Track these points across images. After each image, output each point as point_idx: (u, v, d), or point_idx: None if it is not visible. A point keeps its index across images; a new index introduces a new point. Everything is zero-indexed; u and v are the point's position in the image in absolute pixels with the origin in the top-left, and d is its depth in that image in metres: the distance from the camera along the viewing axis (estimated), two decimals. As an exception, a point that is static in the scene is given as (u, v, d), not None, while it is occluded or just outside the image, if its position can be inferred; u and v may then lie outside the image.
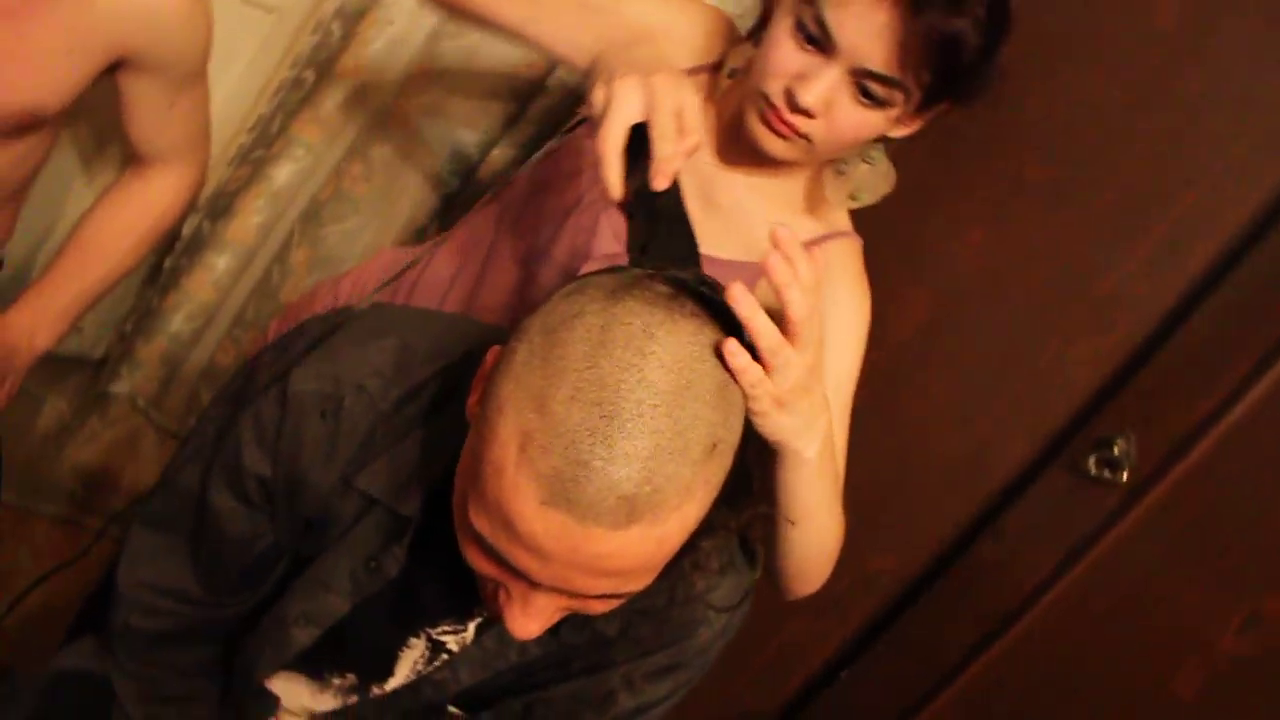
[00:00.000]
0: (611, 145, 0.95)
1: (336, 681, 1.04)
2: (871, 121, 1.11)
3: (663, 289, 0.76)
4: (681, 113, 0.95)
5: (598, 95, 0.98)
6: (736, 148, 1.20)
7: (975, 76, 1.10)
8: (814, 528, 1.07)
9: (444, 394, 0.92)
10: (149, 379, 1.80)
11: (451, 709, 1.03)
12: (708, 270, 1.12)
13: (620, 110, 0.95)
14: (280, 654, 0.99)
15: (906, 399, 1.53)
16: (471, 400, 0.83)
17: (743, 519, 0.83)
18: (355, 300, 1.37)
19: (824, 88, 1.07)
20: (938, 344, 1.52)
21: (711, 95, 1.24)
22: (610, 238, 1.22)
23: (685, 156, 0.96)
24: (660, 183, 0.94)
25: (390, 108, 1.67)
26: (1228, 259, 1.35)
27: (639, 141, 0.95)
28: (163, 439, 1.88)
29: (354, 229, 1.75)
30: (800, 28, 1.08)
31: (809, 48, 1.08)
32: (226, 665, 1.08)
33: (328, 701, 1.05)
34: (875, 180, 1.22)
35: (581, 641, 0.97)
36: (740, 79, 1.20)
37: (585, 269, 1.22)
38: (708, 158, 1.23)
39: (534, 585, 0.76)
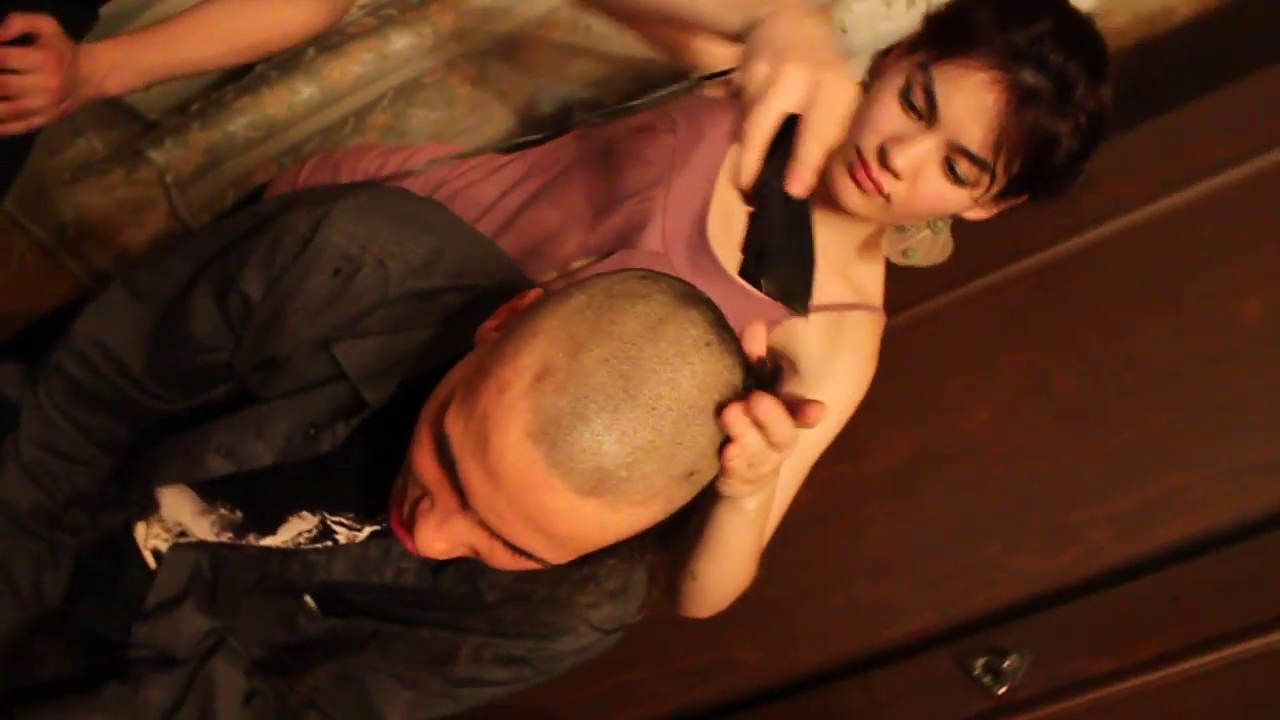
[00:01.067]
0: (761, 131, 0.90)
1: (223, 512, 1.03)
2: (952, 198, 1.13)
3: (724, 321, 0.79)
4: (838, 118, 0.91)
5: (759, 69, 0.91)
6: (817, 191, 1.21)
7: (1060, 178, 1.12)
8: (727, 567, 1.12)
9: (456, 308, 0.93)
10: (187, 161, 1.81)
11: (308, 599, 1.03)
12: (739, 300, 1.16)
13: (781, 97, 0.90)
14: (188, 472, 0.99)
15: (848, 522, 1.55)
16: (489, 325, 0.84)
17: (659, 557, 0.85)
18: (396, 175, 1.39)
19: (917, 154, 1.10)
20: (899, 490, 1.54)
21: None
22: (658, 236, 1.23)
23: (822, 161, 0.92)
24: (798, 187, 0.91)
25: (528, 34, 1.68)
26: (1187, 550, 1.39)
27: (781, 131, 0.91)
28: (171, 220, 1.88)
29: (437, 121, 1.75)
30: (907, 91, 1.11)
31: (911, 113, 1.10)
32: (130, 452, 1.08)
33: (204, 527, 1.04)
34: (931, 247, 1.25)
35: (455, 594, 0.98)
36: None
37: (622, 255, 1.24)
38: None
39: (464, 507, 0.76)
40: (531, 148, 1.37)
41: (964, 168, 1.10)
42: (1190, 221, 1.43)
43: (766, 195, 0.92)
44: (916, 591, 1.50)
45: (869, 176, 1.12)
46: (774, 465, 0.86)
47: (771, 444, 0.80)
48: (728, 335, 0.78)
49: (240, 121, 1.76)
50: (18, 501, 1.03)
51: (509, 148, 1.40)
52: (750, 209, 0.95)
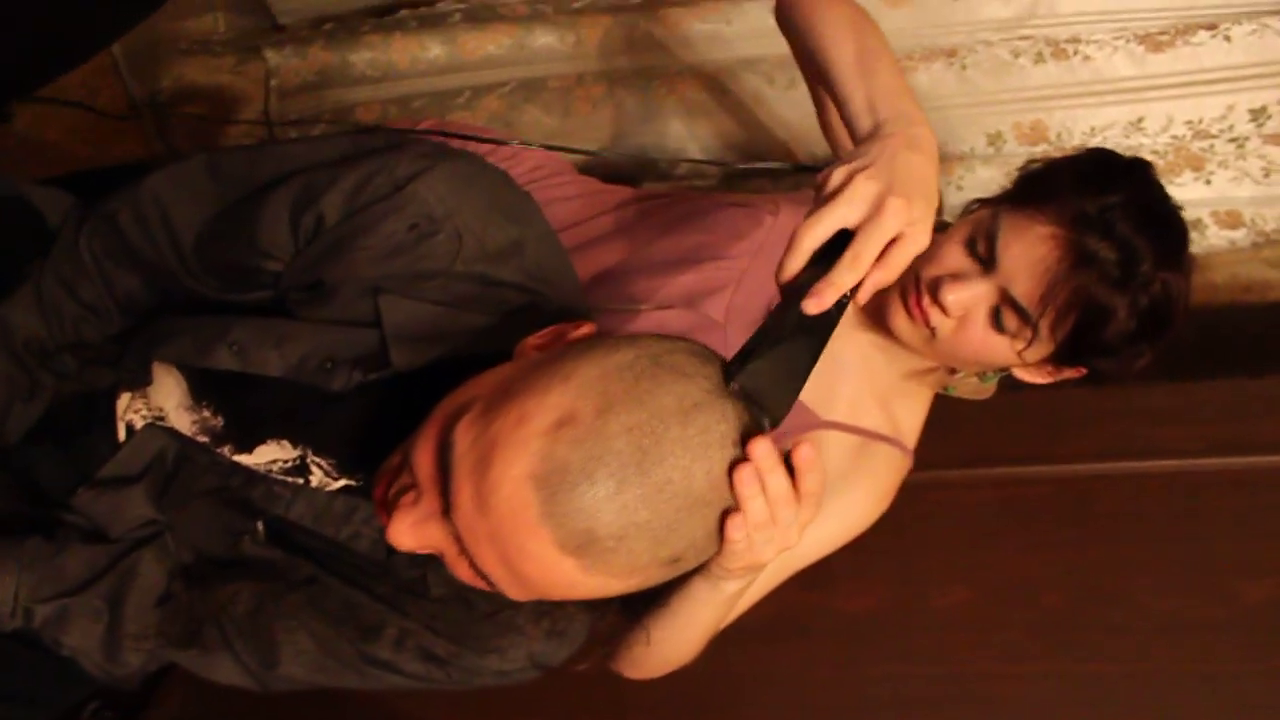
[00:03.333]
0: (811, 235, 0.86)
1: (206, 414, 1.02)
2: (995, 347, 1.11)
3: (757, 423, 0.77)
4: (891, 248, 0.85)
5: (838, 175, 0.88)
6: (871, 308, 1.21)
7: (1113, 356, 1.10)
8: (682, 637, 1.11)
9: (512, 307, 0.92)
10: (298, 73, 1.82)
11: (259, 526, 1.00)
12: None
13: (842, 208, 0.85)
14: (193, 354, 0.97)
15: (796, 651, 1.53)
16: (534, 341, 0.84)
17: (616, 620, 0.83)
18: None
19: (969, 295, 1.09)
20: (856, 639, 1.52)
21: None
22: (723, 307, 1.24)
23: (859, 290, 0.86)
24: (812, 304, 0.84)
25: (668, 74, 1.68)
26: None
27: (836, 244, 0.87)
28: (260, 124, 1.88)
29: (547, 126, 1.76)
30: (974, 236, 1.11)
31: (974, 257, 1.11)
32: (145, 320, 1.06)
33: (183, 420, 1.02)
34: (973, 388, 1.24)
35: (403, 575, 0.96)
36: None
37: (681, 313, 1.23)
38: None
39: (445, 515, 0.75)
40: (635, 186, 1.38)
41: (1008, 317, 1.09)
42: (1229, 489, 1.43)
43: (790, 299, 0.86)
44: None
45: (918, 305, 1.13)
46: (769, 555, 0.83)
47: (770, 502, 0.75)
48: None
49: (363, 55, 1.77)
50: (18, 326, 1.01)
51: (614, 176, 1.41)
52: (771, 308, 0.92)
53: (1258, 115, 1.57)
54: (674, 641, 1.13)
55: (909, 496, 1.29)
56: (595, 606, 0.81)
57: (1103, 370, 1.13)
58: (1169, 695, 1.41)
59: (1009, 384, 1.23)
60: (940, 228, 1.23)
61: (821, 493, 0.79)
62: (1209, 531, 1.43)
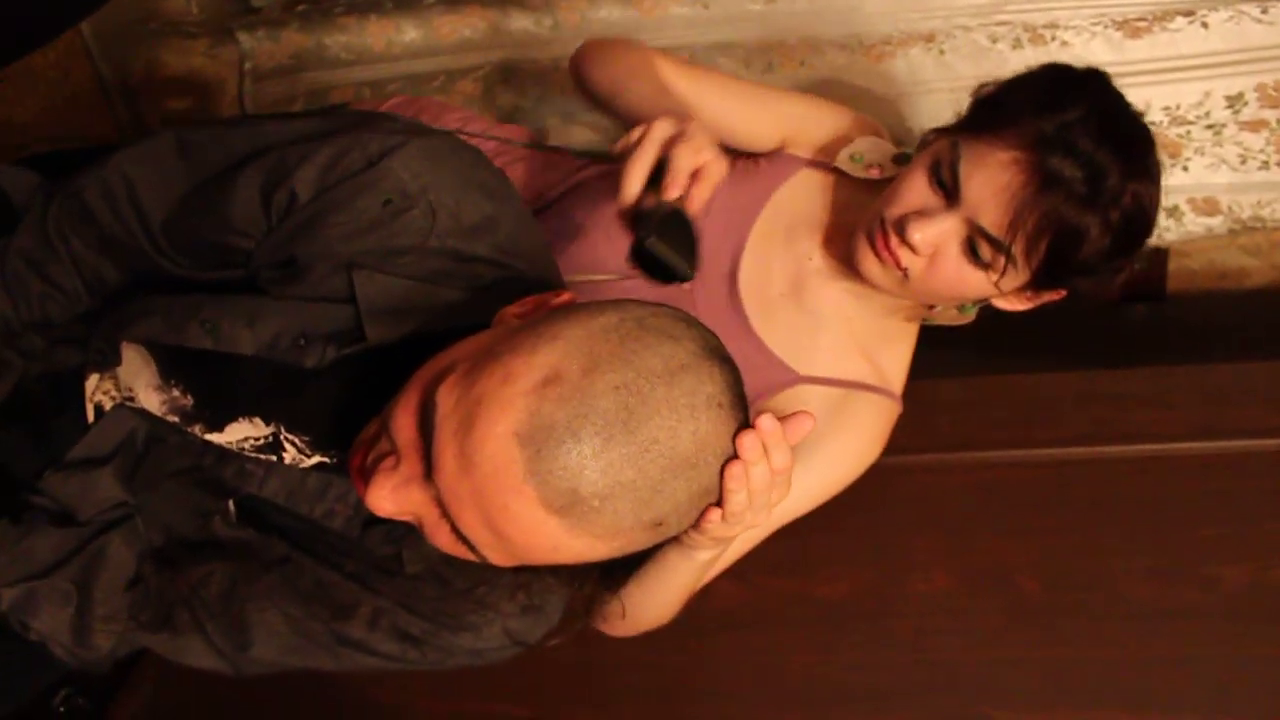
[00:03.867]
0: (642, 161, 1.02)
1: (176, 394, 1.00)
2: (971, 280, 1.10)
3: (741, 389, 0.77)
4: (702, 155, 1.01)
5: (635, 131, 1.04)
6: (841, 255, 1.21)
7: (1092, 275, 1.08)
8: (655, 600, 1.12)
9: (486, 282, 0.92)
10: (272, 56, 1.80)
11: (230, 505, 0.99)
12: (754, 353, 1.20)
13: (657, 129, 1.02)
14: (164, 333, 0.96)
15: (773, 640, 1.52)
16: (514, 309, 0.83)
17: (594, 590, 0.83)
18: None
19: (935, 232, 1.08)
20: (834, 626, 1.52)
21: (834, 194, 1.26)
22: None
23: (701, 181, 1.02)
24: (672, 191, 1.01)
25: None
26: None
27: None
28: (234, 107, 1.87)
29: (523, 110, 1.75)
30: (935, 169, 1.09)
31: (937, 190, 1.09)
32: (112, 300, 1.04)
33: (153, 402, 1.01)
34: (952, 316, 1.22)
35: (377, 553, 0.96)
36: (863, 188, 1.22)
37: (639, 282, 1.22)
38: (812, 254, 1.24)
39: (426, 477, 0.74)
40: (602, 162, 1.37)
41: (982, 248, 1.07)
42: (1210, 473, 1.43)
43: (642, 212, 1.04)
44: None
45: (887, 247, 1.11)
46: (737, 532, 0.83)
47: (772, 471, 0.77)
48: (740, 402, 0.77)
49: (338, 38, 1.75)
50: None
51: (583, 153, 1.41)
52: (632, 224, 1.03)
53: (1234, 102, 1.57)
54: (648, 606, 1.14)
55: (884, 482, 1.29)
56: (574, 578, 0.80)
57: (1083, 289, 1.11)
58: (1148, 681, 1.41)
59: (989, 314, 1.21)
60: (903, 159, 1.23)
61: (790, 470, 0.79)
62: (1187, 517, 1.43)
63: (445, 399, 0.73)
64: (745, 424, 0.77)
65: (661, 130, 1.02)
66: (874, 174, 1.24)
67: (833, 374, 1.23)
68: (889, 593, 1.49)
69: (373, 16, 1.72)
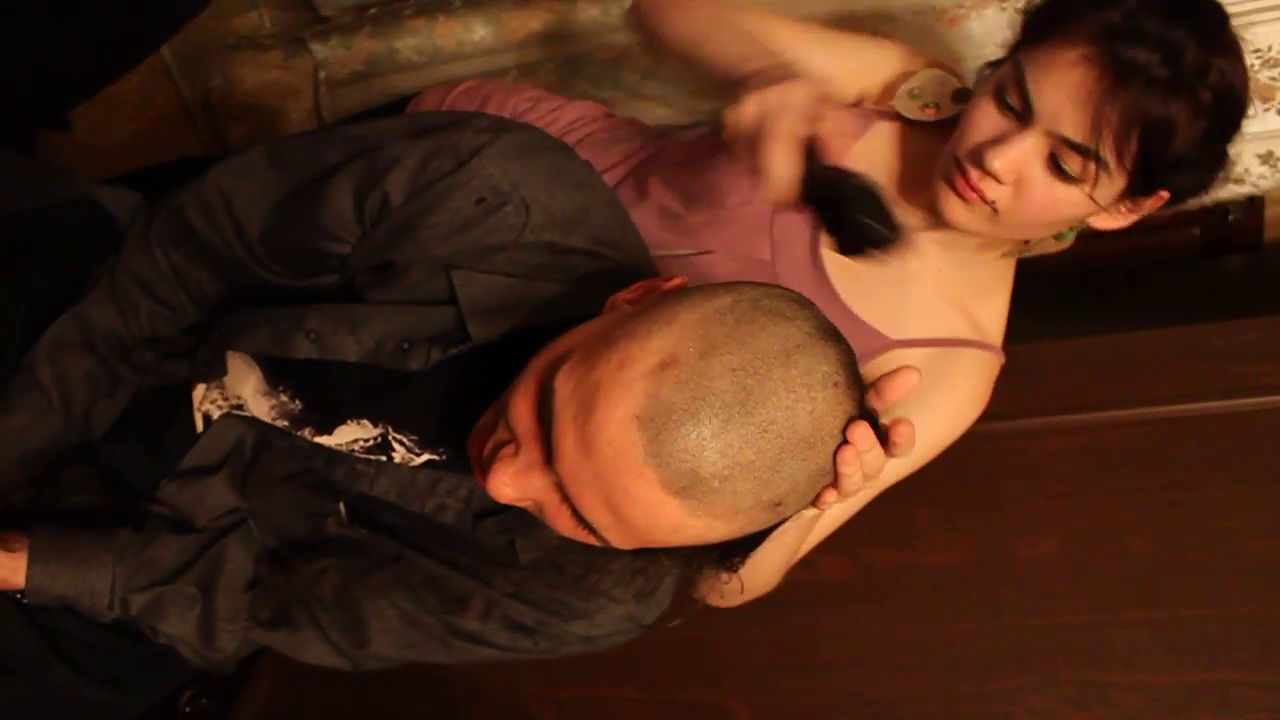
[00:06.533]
0: (785, 155, 0.96)
1: (284, 399, 1.03)
2: (1065, 199, 1.03)
3: (856, 366, 0.77)
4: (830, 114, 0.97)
5: (746, 108, 0.98)
6: (923, 206, 1.16)
7: (1193, 169, 1.02)
8: (763, 564, 1.10)
9: (583, 273, 0.93)
10: (345, 64, 1.82)
11: (341, 507, 1.01)
12: (843, 324, 1.14)
13: (779, 122, 0.96)
14: (271, 344, 0.98)
15: (883, 610, 1.51)
16: (625, 295, 0.84)
17: (702, 573, 0.83)
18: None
19: (1016, 154, 1.02)
20: (943, 594, 1.50)
21: (908, 145, 1.21)
22: (767, 245, 1.22)
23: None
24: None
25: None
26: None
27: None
28: (311, 116, 1.89)
29: (596, 99, 1.74)
30: (1001, 93, 1.04)
31: (1008, 114, 1.03)
32: (217, 311, 1.07)
33: (261, 407, 1.03)
34: (1050, 245, 1.17)
35: (489, 545, 0.97)
36: (936, 135, 1.16)
37: (723, 258, 1.22)
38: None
39: (547, 463, 0.75)
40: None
41: (1069, 161, 1.00)
42: (1319, 423, 1.37)
43: (810, 188, 0.97)
44: (930, 701, 1.45)
45: (969, 185, 1.05)
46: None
47: (864, 474, 0.77)
48: (855, 381, 0.76)
49: (408, 41, 1.76)
50: (96, 320, 1.03)
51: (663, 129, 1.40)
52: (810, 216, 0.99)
53: (1329, 40, 1.52)
54: (758, 571, 1.12)
55: (984, 449, 1.27)
56: (690, 560, 0.80)
57: (1185, 188, 1.04)
58: (1265, 638, 1.37)
59: (1084, 270, 1.16)
60: (963, 95, 1.18)
61: (877, 472, 0.78)
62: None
63: (563, 385, 0.73)
64: (862, 400, 0.77)
65: (784, 117, 0.96)
66: (929, 114, 1.19)
67: (927, 334, 1.19)
68: (995, 560, 1.47)
69: (441, 17, 1.73)
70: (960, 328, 1.20)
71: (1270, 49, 1.52)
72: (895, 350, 1.20)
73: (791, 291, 0.78)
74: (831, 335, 0.76)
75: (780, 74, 1.01)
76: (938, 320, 1.20)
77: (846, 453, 0.74)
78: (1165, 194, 1.04)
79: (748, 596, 1.17)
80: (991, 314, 1.22)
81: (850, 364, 0.76)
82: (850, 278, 1.20)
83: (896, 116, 1.22)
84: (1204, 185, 1.05)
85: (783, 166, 0.95)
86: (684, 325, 0.72)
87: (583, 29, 1.71)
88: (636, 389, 0.70)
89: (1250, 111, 1.54)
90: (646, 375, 0.70)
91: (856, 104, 1.27)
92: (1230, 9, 1.32)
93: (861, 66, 1.26)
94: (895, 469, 1.14)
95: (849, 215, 0.95)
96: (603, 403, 0.71)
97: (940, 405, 1.18)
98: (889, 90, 1.24)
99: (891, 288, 1.20)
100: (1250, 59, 1.49)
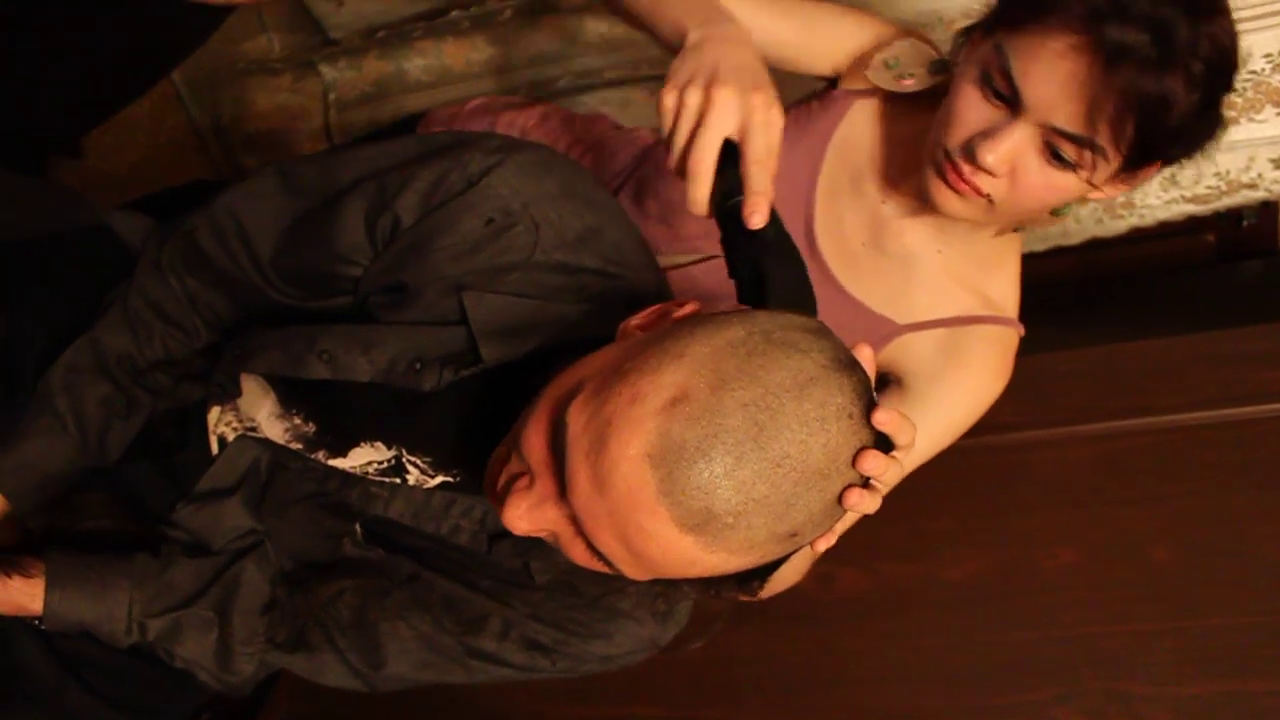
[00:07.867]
0: (706, 164, 0.90)
1: (297, 421, 1.03)
2: (1062, 185, 1.01)
3: (871, 393, 0.76)
4: (773, 140, 0.90)
5: (692, 98, 0.91)
6: (914, 192, 1.14)
7: (1190, 136, 0.99)
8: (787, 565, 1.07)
9: (595, 292, 0.92)
10: (354, 85, 1.83)
11: (357, 527, 1.01)
12: (849, 314, 1.13)
13: (718, 124, 0.89)
14: (284, 365, 0.98)
15: (902, 624, 1.50)
16: (636, 321, 0.83)
17: (724, 597, 0.83)
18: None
19: (1008, 147, 0.99)
20: (963, 607, 1.49)
21: (890, 126, 1.18)
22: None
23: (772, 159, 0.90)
24: (758, 219, 0.88)
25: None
26: None
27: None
28: (322, 137, 1.90)
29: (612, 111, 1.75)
30: (985, 79, 1.00)
31: (995, 102, 1.00)
32: (230, 334, 1.07)
33: (275, 429, 1.03)
34: (1049, 220, 1.14)
35: (504, 566, 0.96)
36: (919, 112, 1.13)
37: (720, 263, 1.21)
38: (885, 198, 1.17)
39: (561, 497, 0.75)
40: None
41: (1065, 149, 0.98)
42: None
43: (729, 218, 0.91)
44: (953, 715, 1.44)
45: (962, 179, 1.03)
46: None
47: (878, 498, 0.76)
48: (870, 407, 0.75)
49: (417, 62, 1.77)
50: (110, 345, 1.03)
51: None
52: (723, 233, 0.93)
53: (1340, 44, 1.51)
54: (779, 577, 1.10)
55: (1001, 460, 1.26)
56: (710, 585, 0.79)
57: (1178, 155, 1.02)
58: (1294, 645, 1.36)
59: (1098, 280, 1.15)
60: (939, 67, 1.15)
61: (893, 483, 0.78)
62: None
63: (575, 419, 0.73)
64: (874, 428, 0.75)
65: (726, 121, 0.90)
66: (907, 85, 1.15)
67: (935, 315, 1.17)
68: (1015, 571, 1.46)
69: (449, 38, 1.74)
70: (970, 304, 1.17)
71: (1281, 53, 1.51)
72: (906, 335, 1.17)
73: (807, 320, 0.77)
74: (846, 365, 0.75)
75: (739, 56, 0.95)
76: (946, 300, 1.17)
77: (851, 497, 0.73)
78: (1158, 165, 1.03)
79: (770, 594, 1.16)
80: (1002, 287, 1.19)
81: (865, 393, 0.75)
82: (851, 267, 1.19)
83: (873, 93, 1.19)
84: (1197, 147, 1.02)
85: (698, 188, 0.92)
86: (695, 359, 0.72)
87: (591, 47, 1.71)
88: (648, 426, 0.69)
89: (1262, 116, 1.55)
90: (658, 412, 0.70)
91: (831, 80, 1.23)
92: (1239, 14, 1.32)
93: (833, 36, 1.21)
94: (922, 451, 1.13)
95: (770, 280, 0.89)
96: (615, 440, 0.70)
97: (961, 384, 1.16)
98: (862, 61, 1.20)
99: (894, 273, 1.18)
100: (1261, 63, 1.49)
